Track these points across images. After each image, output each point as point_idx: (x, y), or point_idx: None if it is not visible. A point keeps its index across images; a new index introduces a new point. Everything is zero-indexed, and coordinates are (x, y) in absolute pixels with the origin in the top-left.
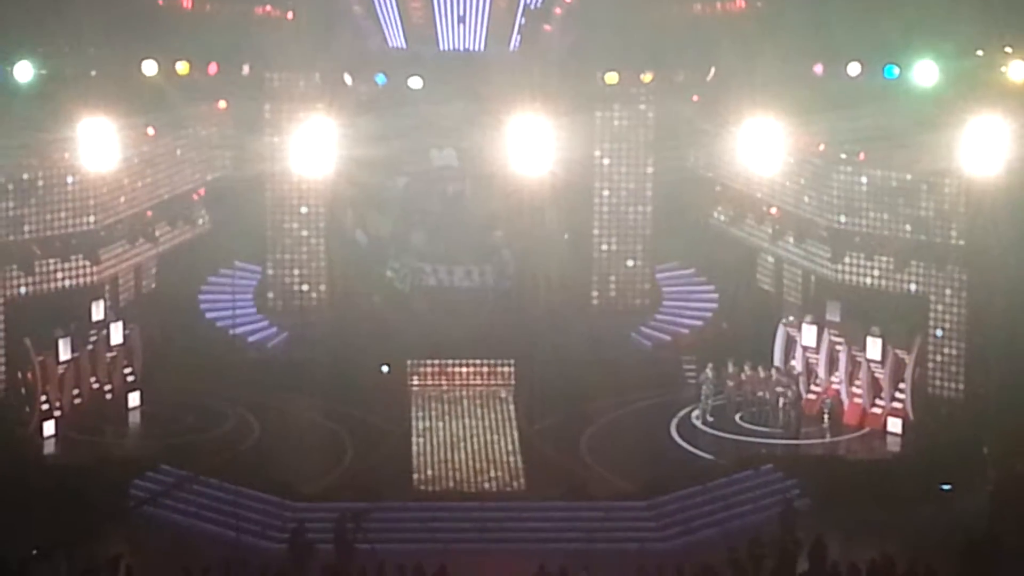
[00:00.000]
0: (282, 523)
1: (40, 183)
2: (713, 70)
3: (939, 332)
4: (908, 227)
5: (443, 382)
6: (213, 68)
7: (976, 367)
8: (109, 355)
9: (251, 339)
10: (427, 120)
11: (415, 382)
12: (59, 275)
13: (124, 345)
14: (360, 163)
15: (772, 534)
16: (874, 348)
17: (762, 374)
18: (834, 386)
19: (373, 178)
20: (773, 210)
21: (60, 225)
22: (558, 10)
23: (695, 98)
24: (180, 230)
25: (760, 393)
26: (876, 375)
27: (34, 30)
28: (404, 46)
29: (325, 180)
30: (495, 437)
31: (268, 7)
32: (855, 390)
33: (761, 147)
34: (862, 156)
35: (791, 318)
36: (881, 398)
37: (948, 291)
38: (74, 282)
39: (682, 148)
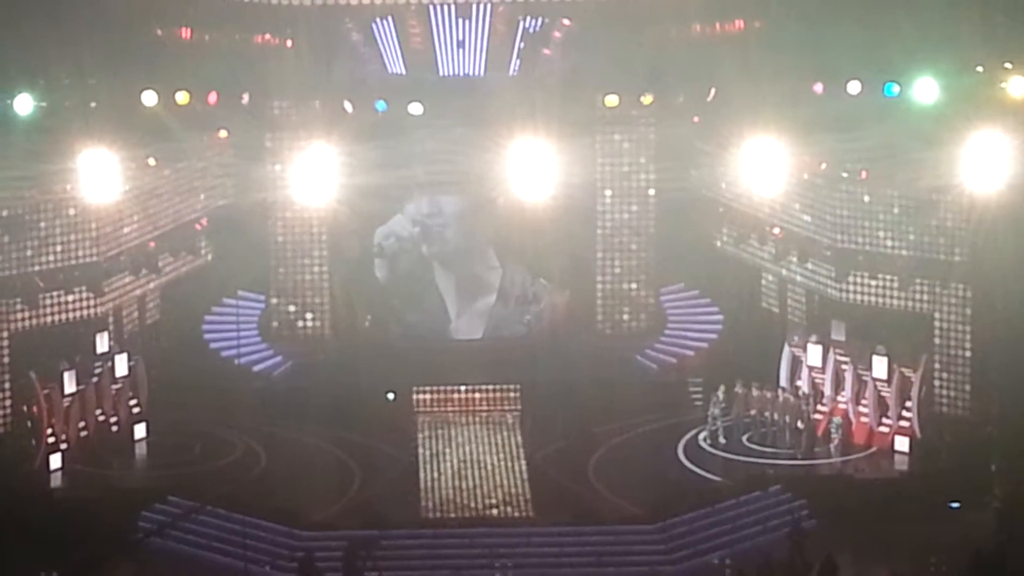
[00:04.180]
0: (290, 552)
1: (42, 215)
2: (713, 91)
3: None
4: (911, 245)
5: (449, 408)
6: (213, 98)
7: (982, 384)
8: (114, 387)
9: (256, 368)
10: (428, 147)
11: (421, 409)
12: (63, 308)
13: (129, 377)
14: (362, 191)
15: (782, 555)
16: (880, 367)
17: (769, 395)
18: (840, 405)
19: (377, 207)
20: (776, 230)
21: (63, 257)
22: (557, 34)
23: (696, 119)
24: (183, 260)
25: (767, 413)
26: (882, 394)
27: (34, 62)
28: (404, 72)
29: (327, 208)
30: (502, 463)
31: (267, 36)
32: (862, 409)
33: (763, 167)
34: (864, 174)
35: (796, 338)
36: (888, 417)
37: (952, 308)
38: (78, 314)
39: (684, 170)
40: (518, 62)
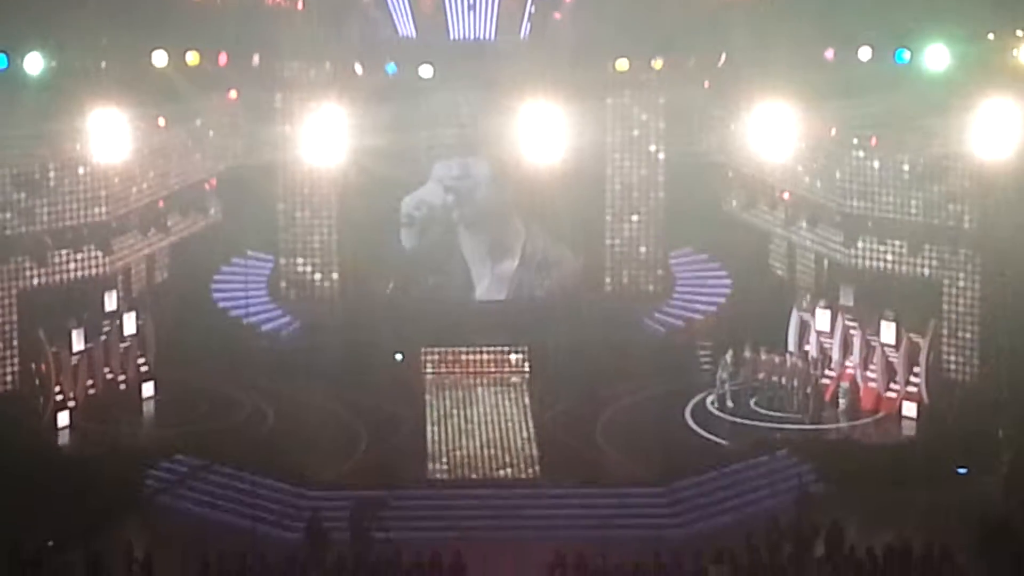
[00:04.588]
0: (297, 511)
1: (51, 174)
2: (724, 56)
3: (955, 317)
4: (920, 211)
5: (457, 370)
6: (223, 58)
7: (990, 350)
8: (122, 345)
9: (264, 328)
10: (438, 109)
11: (429, 370)
12: (71, 266)
13: (137, 335)
14: (373, 153)
15: (788, 519)
16: (888, 332)
17: (777, 359)
18: (848, 370)
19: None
20: (785, 195)
21: (72, 216)
22: None
23: (706, 84)
24: (192, 220)
25: (775, 378)
26: (890, 359)
27: (44, 22)
28: (414, 35)
29: (337, 169)
30: (510, 424)
31: None
32: (870, 374)
33: (773, 132)
34: (874, 141)
35: (805, 303)
36: (896, 382)
37: (961, 274)
38: (86, 273)
39: (694, 134)
40: (529, 26)
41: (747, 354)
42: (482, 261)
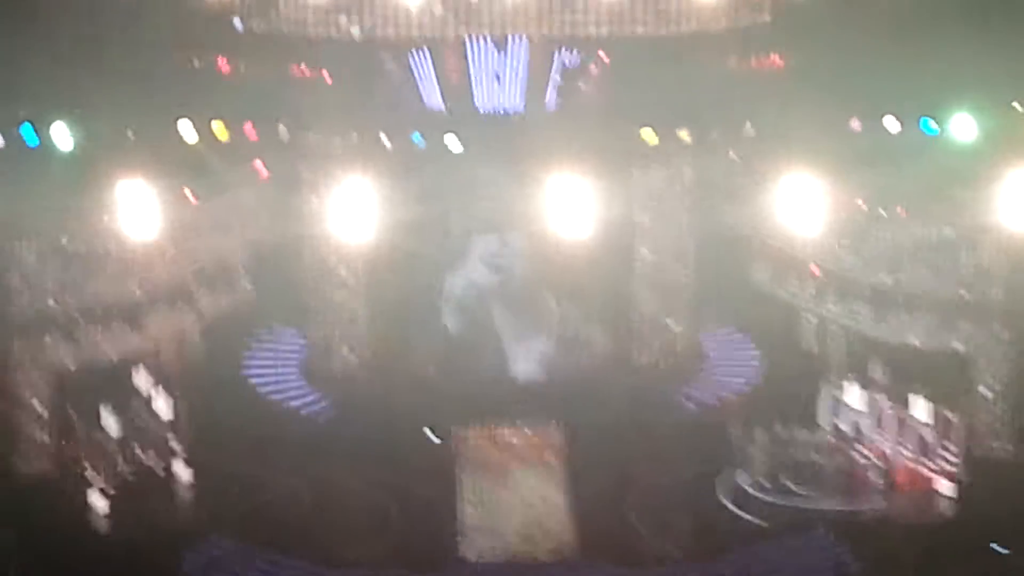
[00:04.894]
0: None
1: (80, 250)
2: (750, 126)
3: (988, 393)
4: (950, 285)
5: (489, 448)
6: (249, 129)
7: None
8: (154, 425)
9: (295, 404)
10: (466, 181)
11: (462, 449)
12: (102, 345)
13: (168, 414)
14: (403, 226)
15: None
16: (921, 408)
17: (809, 436)
18: (883, 447)
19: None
20: (815, 269)
21: (102, 293)
22: (594, 68)
23: (732, 155)
24: (222, 295)
25: (808, 456)
26: (924, 436)
27: (70, 93)
28: (441, 106)
29: (366, 243)
30: (543, 503)
31: (304, 68)
32: (904, 451)
33: (800, 204)
34: (902, 212)
35: (835, 379)
36: (930, 459)
37: (993, 349)
38: (117, 351)
39: (721, 206)
40: (555, 96)
41: (779, 431)
42: (517, 340)
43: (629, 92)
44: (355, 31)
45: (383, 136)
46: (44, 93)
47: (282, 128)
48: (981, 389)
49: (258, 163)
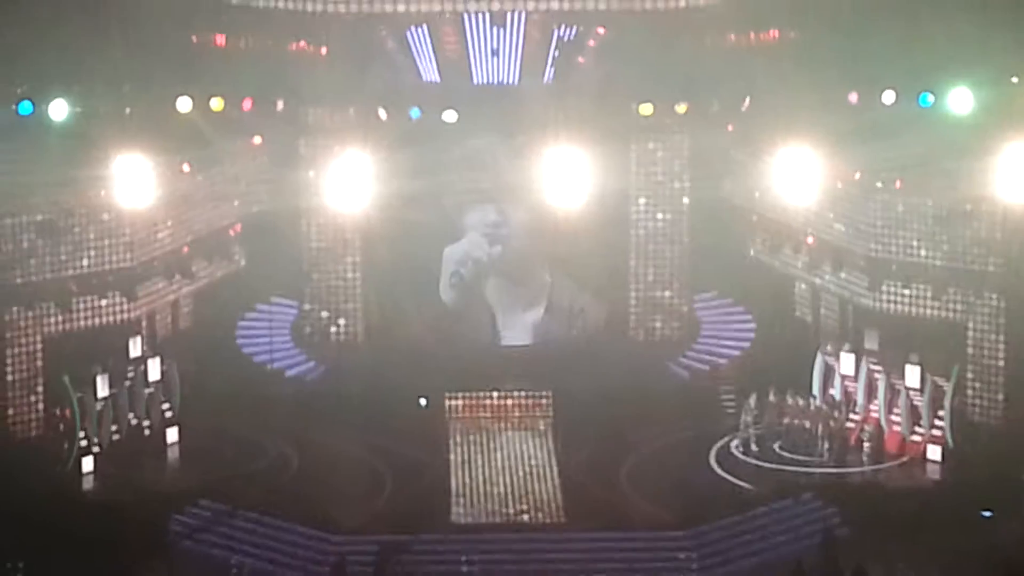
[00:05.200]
0: (322, 557)
1: (76, 220)
2: (748, 100)
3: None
4: (945, 254)
5: (481, 415)
6: (247, 104)
7: (1015, 394)
8: (147, 391)
9: (289, 373)
10: (462, 154)
11: (453, 415)
12: (96, 312)
13: (162, 381)
14: (397, 198)
15: (813, 563)
16: (913, 376)
17: (801, 403)
18: (873, 414)
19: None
20: (810, 239)
21: (96, 262)
22: (592, 42)
23: (730, 128)
24: (216, 266)
25: (800, 422)
26: (915, 403)
27: (69, 68)
28: (438, 80)
29: (361, 214)
30: (534, 469)
31: (302, 43)
32: (894, 418)
33: (797, 176)
34: (898, 184)
35: (829, 347)
36: (920, 426)
37: (986, 318)
38: (111, 319)
39: (717, 178)
40: (552, 70)
41: (772, 398)
42: (510, 310)
43: (627, 66)
44: None
45: (381, 110)
46: (43, 69)
47: (280, 103)
48: (972, 357)
49: (256, 137)
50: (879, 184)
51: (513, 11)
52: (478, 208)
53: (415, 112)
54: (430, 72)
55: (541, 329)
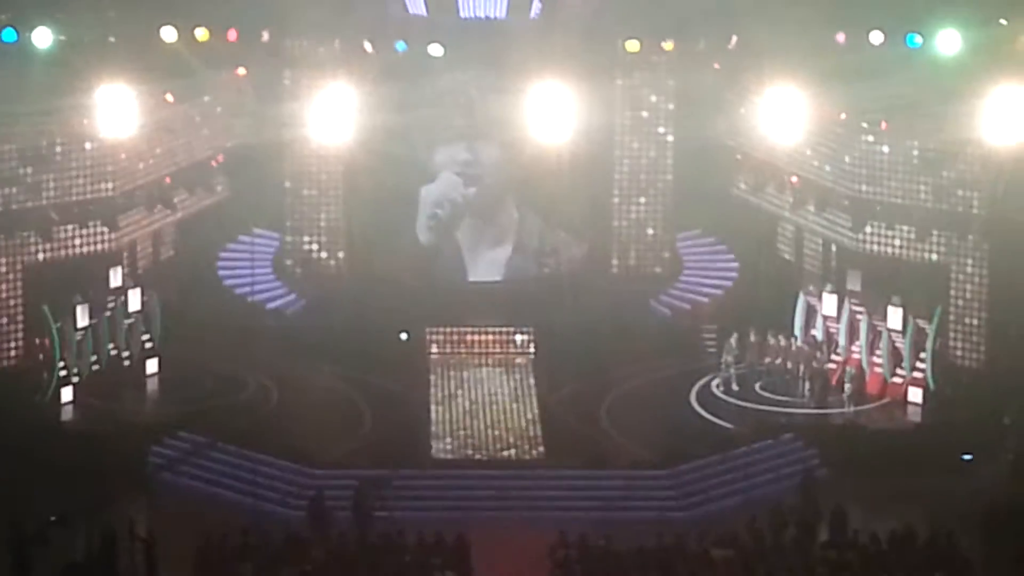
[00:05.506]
0: (300, 490)
1: (58, 149)
2: (735, 38)
3: (962, 303)
4: (929, 196)
5: (462, 350)
6: (232, 35)
7: (997, 336)
8: (127, 322)
9: (270, 306)
10: (447, 88)
11: (434, 350)
12: (77, 242)
13: (142, 312)
14: (381, 131)
15: (792, 503)
16: (895, 317)
17: (783, 343)
18: (855, 355)
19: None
20: (794, 179)
21: (78, 191)
22: None
23: (716, 66)
24: (198, 197)
25: (781, 362)
26: (897, 344)
27: None
28: (424, 13)
29: (344, 147)
30: (514, 405)
31: None
32: (876, 359)
33: (783, 116)
34: (884, 125)
35: (812, 287)
36: (902, 367)
37: (969, 260)
38: (92, 249)
39: (703, 116)
40: (539, 5)
41: (753, 338)
42: (475, 248)
43: (614, 2)
44: None
45: (367, 43)
46: None
47: (266, 34)
48: (955, 300)
49: (240, 68)
50: (864, 124)
51: None
52: (450, 146)
53: (401, 45)
54: (416, 5)
55: (511, 266)
